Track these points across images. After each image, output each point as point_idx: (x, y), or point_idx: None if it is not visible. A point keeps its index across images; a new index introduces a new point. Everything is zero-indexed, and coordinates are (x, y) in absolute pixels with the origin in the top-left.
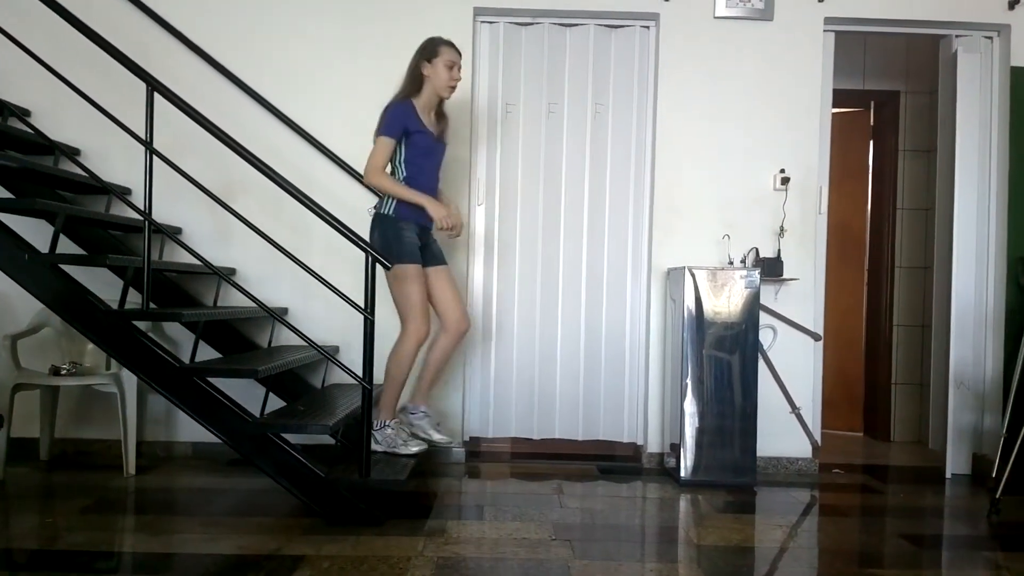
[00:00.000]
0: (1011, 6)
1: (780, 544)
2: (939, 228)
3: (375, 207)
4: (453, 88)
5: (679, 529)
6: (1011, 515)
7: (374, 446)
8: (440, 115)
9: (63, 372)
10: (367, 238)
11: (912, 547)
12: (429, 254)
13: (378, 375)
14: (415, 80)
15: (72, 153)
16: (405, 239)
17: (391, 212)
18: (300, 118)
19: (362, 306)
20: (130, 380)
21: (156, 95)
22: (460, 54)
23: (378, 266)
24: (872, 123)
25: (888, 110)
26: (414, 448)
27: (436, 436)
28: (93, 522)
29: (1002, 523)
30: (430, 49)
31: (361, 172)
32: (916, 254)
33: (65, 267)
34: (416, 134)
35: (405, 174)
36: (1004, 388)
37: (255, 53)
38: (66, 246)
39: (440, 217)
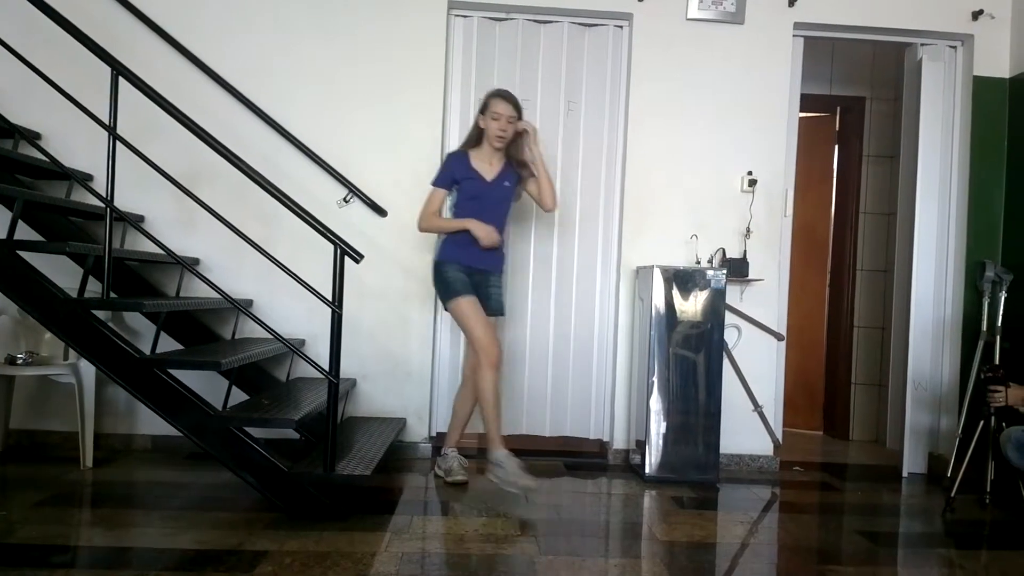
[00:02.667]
0: (975, 17)
1: (741, 540)
2: (900, 233)
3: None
4: (500, 138)
5: (643, 525)
6: (965, 513)
7: (495, 479)
8: (517, 162)
9: (19, 361)
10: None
11: (869, 544)
12: (489, 303)
13: (351, 369)
14: (475, 131)
15: (33, 137)
16: (451, 277)
17: (437, 256)
18: (269, 108)
19: (330, 299)
20: (88, 371)
21: (121, 80)
22: (513, 106)
23: (347, 260)
24: (838, 128)
25: (853, 116)
26: (530, 482)
27: (453, 478)
28: (48, 515)
29: (956, 521)
30: (483, 102)
31: (332, 164)
32: (877, 258)
33: (23, 254)
34: (465, 181)
35: (451, 217)
36: (960, 390)
37: (225, 41)
38: (24, 232)
39: (484, 234)
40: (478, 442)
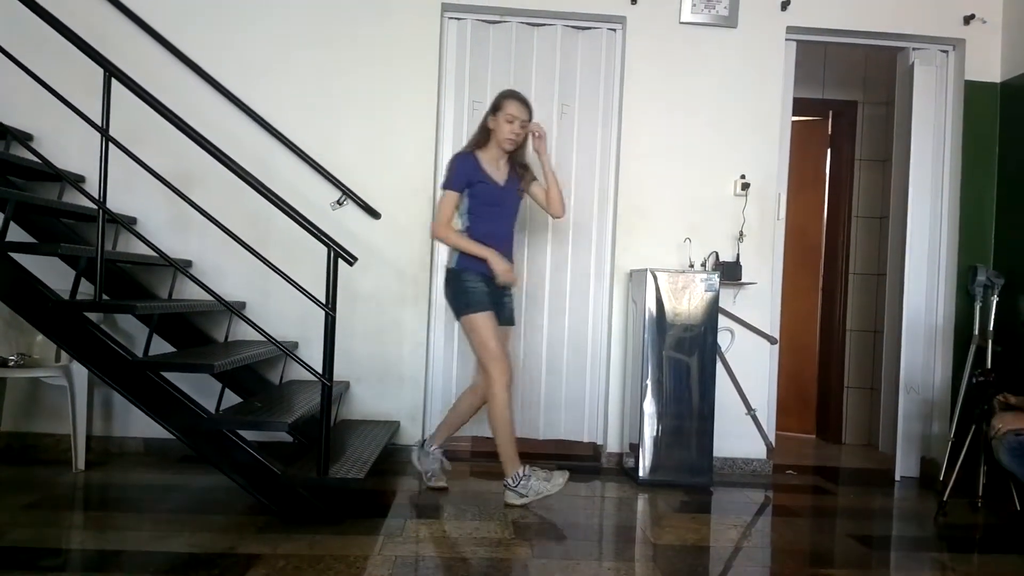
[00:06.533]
0: (966, 21)
1: (735, 543)
2: (892, 236)
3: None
4: (512, 141)
5: (637, 528)
6: (958, 517)
7: (520, 500)
8: (519, 165)
9: (10, 363)
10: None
11: (862, 547)
12: (503, 312)
13: (344, 371)
14: (482, 132)
15: (25, 138)
16: (470, 288)
17: (455, 265)
18: (262, 109)
19: (323, 301)
20: (80, 373)
21: (113, 81)
22: (527, 108)
23: (341, 263)
24: (830, 132)
25: (846, 120)
26: (560, 480)
27: (436, 483)
28: (40, 518)
29: (949, 525)
30: (496, 103)
31: (325, 166)
32: (870, 261)
33: (15, 255)
34: (478, 184)
35: (468, 224)
36: (952, 394)
37: (217, 42)
38: (16, 234)
39: (501, 271)
40: (471, 445)
